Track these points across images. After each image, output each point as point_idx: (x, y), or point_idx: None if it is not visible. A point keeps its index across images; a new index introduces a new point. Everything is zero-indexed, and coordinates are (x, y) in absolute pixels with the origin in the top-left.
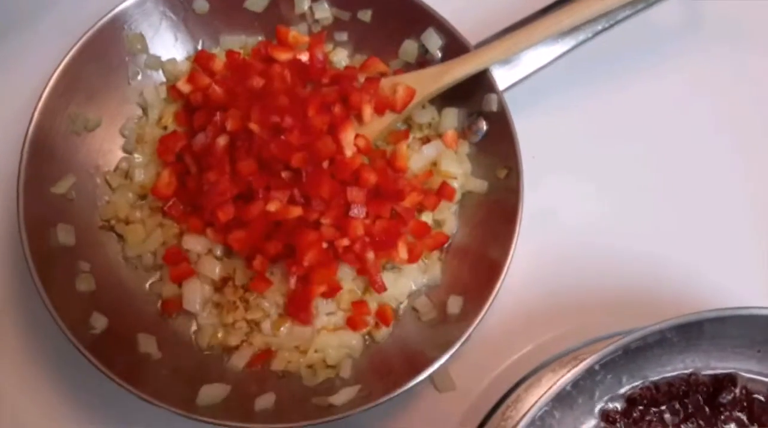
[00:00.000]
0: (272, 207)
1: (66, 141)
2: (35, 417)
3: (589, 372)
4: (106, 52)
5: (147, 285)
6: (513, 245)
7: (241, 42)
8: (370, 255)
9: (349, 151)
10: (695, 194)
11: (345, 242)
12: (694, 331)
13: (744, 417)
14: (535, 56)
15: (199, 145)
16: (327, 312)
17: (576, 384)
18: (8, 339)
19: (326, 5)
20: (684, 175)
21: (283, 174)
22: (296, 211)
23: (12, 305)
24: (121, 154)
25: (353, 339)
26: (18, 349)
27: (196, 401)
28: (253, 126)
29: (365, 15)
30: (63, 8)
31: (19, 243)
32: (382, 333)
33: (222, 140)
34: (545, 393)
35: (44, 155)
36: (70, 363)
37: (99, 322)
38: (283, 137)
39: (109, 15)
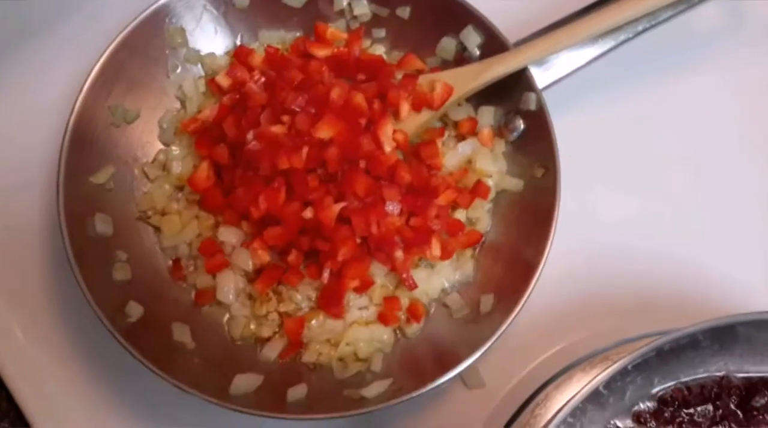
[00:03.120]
0: (308, 214)
1: (106, 132)
2: (70, 402)
3: (622, 373)
4: (147, 44)
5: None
6: (548, 246)
7: (279, 37)
8: (399, 254)
9: (388, 146)
10: (731, 197)
11: (376, 235)
12: (728, 334)
13: None
14: (575, 56)
15: (236, 140)
16: (359, 307)
17: (608, 384)
18: (46, 326)
19: (365, 2)
20: (720, 178)
21: (319, 171)
22: (333, 212)
23: (50, 292)
24: (159, 146)
25: (384, 334)
26: (55, 336)
27: (229, 390)
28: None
29: (404, 12)
30: (102, 2)
31: (58, 232)
32: (413, 328)
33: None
34: (578, 392)
35: (84, 145)
36: (105, 350)
37: (135, 310)
38: (320, 134)
39: (152, 7)
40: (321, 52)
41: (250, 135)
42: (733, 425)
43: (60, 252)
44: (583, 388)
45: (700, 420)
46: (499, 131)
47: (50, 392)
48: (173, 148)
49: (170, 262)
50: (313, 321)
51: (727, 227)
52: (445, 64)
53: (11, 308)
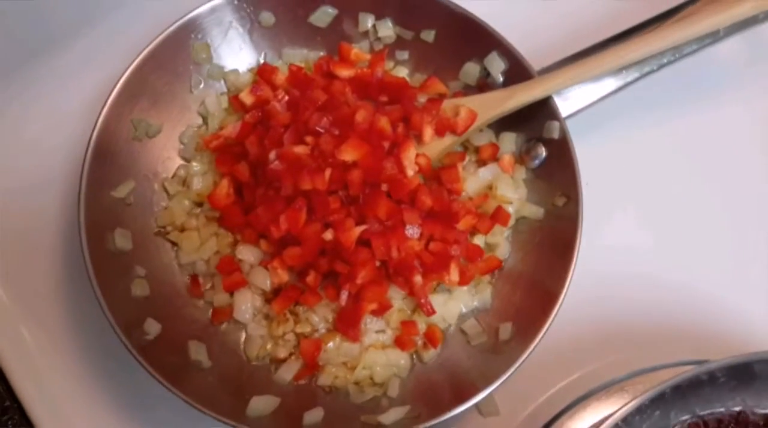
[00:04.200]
0: (329, 235)
1: (128, 146)
2: (75, 407)
3: (639, 408)
4: (172, 59)
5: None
6: (569, 277)
7: (303, 56)
8: (418, 279)
9: (411, 170)
10: (752, 229)
11: (395, 259)
12: (745, 371)
13: None
14: (599, 86)
15: (258, 158)
16: (376, 330)
17: (626, 418)
18: (56, 332)
19: (390, 24)
20: (740, 211)
21: (340, 193)
22: (353, 234)
23: (62, 299)
24: (179, 161)
25: (401, 359)
26: (64, 342)
27: (246, 411)
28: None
29: (428, 35)
30: (128, 13)
31: (75, 240)
32: (430, 354)
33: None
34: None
35: (106, 159)
36: (121, 366)
37: (153, 328)
38: (344, 156)
39: (179, 22)
40: (344, 72)
41: (272, 154)
42: None
43: (75, 260)
44: (602, 423)
45: None
46: (521, 158)
47: (59, 400)
48: (194, 164)
49: (188, 279)
50: (330, 344)
51: (746, 260)
52: (468, 89)
53: (21, 310)
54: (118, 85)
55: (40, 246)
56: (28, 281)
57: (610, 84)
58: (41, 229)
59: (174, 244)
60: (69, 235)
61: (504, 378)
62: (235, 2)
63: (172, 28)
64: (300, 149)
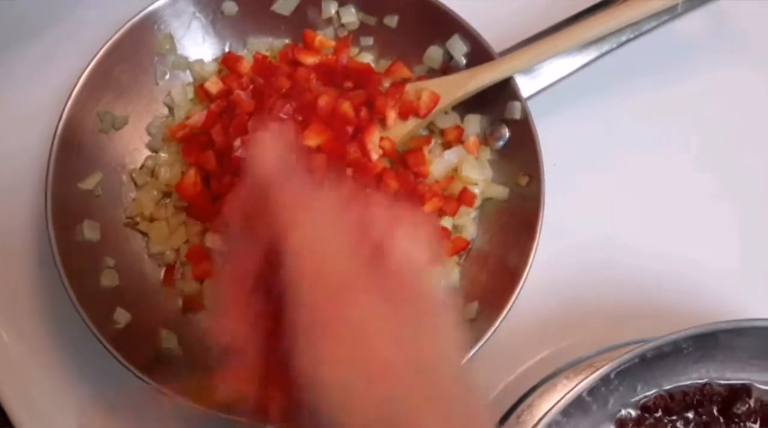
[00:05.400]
0: None
1: (94, 138)
2: (55, 405)
3: (605, 380)
4: (136, 51)
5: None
6: (532, 254)
7: (267, 45)
8: None
9: (375, 154)
10: (714, 206)
11: None
12: (710, 341)
13: None
14: (559, 65)
15: (223, 147)
16: None
17: (591, 391)
18: (32, 330)
19: (353, 10)
20: (702, 187)
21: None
22: None
23: (36, 296)
24: (147, 152)
25: None
26: (41, 339)
27: (215, 397)
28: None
29: (392, 21)
30: (89, 7)
31: (45, 237)
32: None
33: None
34: (561, 399)
35: (73, 151)
36: (92, 357)
37: (122, 317)
38: (308, 141)
39: (141, 14)
40: (309, 59)
41: (237, 142)
42: None
43: (46, 257)
44: (566, 395)
45: (683, 427)
46: (485, 140)
47: (36, 395)
48: (161, 154)
49: (161, 268)
50: None
51: (713, 234)
52: (432, 73)
53: None
54: (81, 79)
55: (12, 245)
56: (1, 280)
57: (572, 63)
58: (12, 228)
59: (144, 234)
60: (39, 231)
61: (468, 356)
62: None
63: (133, 21)
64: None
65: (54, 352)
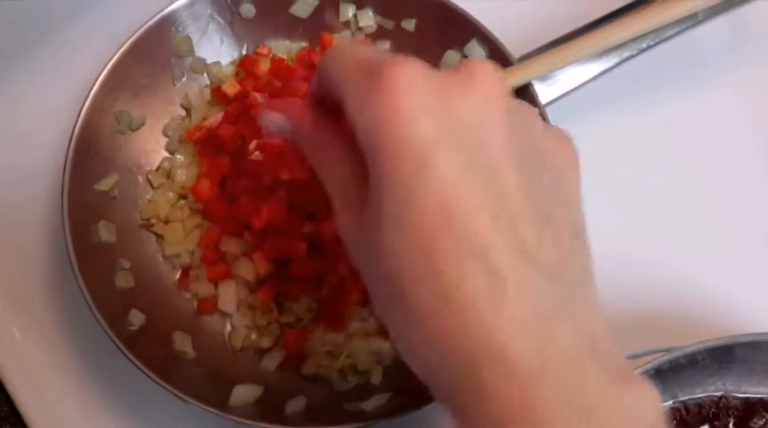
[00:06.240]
0: (308, 226)
1: (111, 139)
2: (69, 406)
3: None
4: (153, 52)
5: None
6: None
7: (285, 48)
8: None
9: None
10: (738, 215)
11: None
12: (726, 355)
13: None
14: (578, 72)
15: (239, 149)
16: (360, 318)
17: None
18: (46, 330)
19: (371, 13)
20: (728, 195)
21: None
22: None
23: (50, 296)
24: (163, 154)
25: (384, 346)
26: (55, 339)
27: (229, 400)
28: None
29: (409, 24)
30: (109, 7)
31: (61, 236)
32: None
33: (258, 146)
34: None
35: (89, 152)
36: (105, 358)
37: (137, 319)
38: None
39: (159, 16)
40: None
41: (252, 145)
42: None
43: (61, 257)
44: None
45: None
46: None
47: (50, 396)
48: (178, 156)
49: (175, 270)
50: (314, 334)
51: (726, 246)
52: None
53: (11, 311)
54: (99, 79)
55: (27, 244)
56: (16, 279)
57: (591, 70)
58: (28, 226)
59: (159, 236)
60: (55, 231)
61: None
62: None
63: (151, 22)
64: (280, 139)
65: (68, 353)
